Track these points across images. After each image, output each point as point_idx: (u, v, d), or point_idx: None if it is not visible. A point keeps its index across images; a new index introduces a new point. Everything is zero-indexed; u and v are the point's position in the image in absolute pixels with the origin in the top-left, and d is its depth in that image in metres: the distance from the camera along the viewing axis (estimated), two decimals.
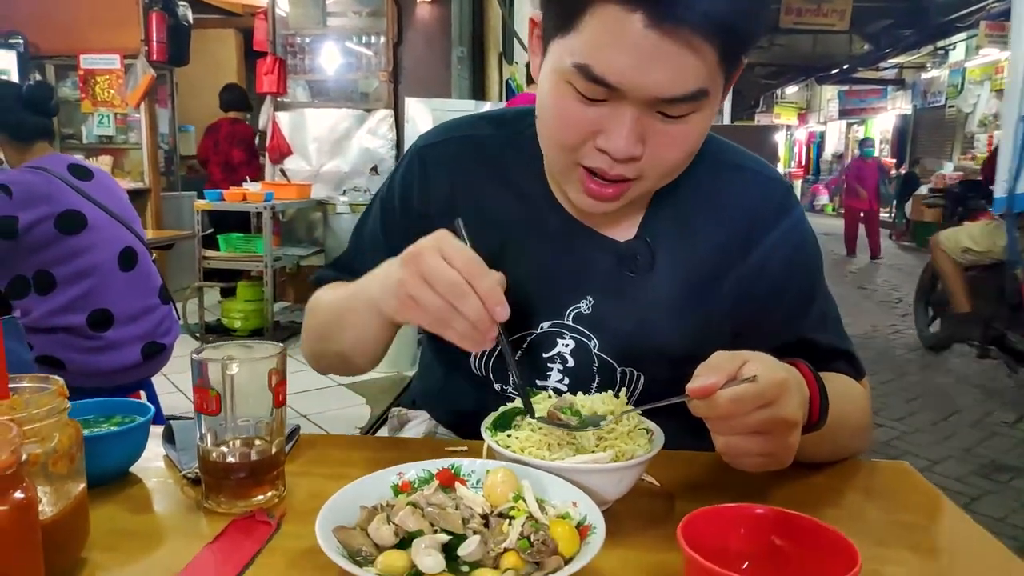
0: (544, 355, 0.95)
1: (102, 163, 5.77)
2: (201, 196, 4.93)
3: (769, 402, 0.65)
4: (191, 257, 4.86)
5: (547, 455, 0.71)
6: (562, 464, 0.68)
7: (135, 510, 0.76)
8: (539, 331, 0.95)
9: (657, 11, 0.68)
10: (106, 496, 0.78)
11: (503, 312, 0.71)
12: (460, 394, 1.07)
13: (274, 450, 0.76)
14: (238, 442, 0.75)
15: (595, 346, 0.93)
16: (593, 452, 0.71)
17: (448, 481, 0.66)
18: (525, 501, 0.60)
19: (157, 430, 0.92)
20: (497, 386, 0.99)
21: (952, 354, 5.24)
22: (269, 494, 0.76)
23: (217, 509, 0.74)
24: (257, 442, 0.75)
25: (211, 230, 4.81)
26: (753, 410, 0.65)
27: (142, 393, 2.44)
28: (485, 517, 0.59)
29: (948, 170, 11.75)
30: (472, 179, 0.98)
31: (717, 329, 0.93)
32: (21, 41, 5.63)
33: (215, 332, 4.94)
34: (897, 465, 0.91)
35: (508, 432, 0.76)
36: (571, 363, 0.94)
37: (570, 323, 0.94)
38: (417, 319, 0.74)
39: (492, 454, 0.74)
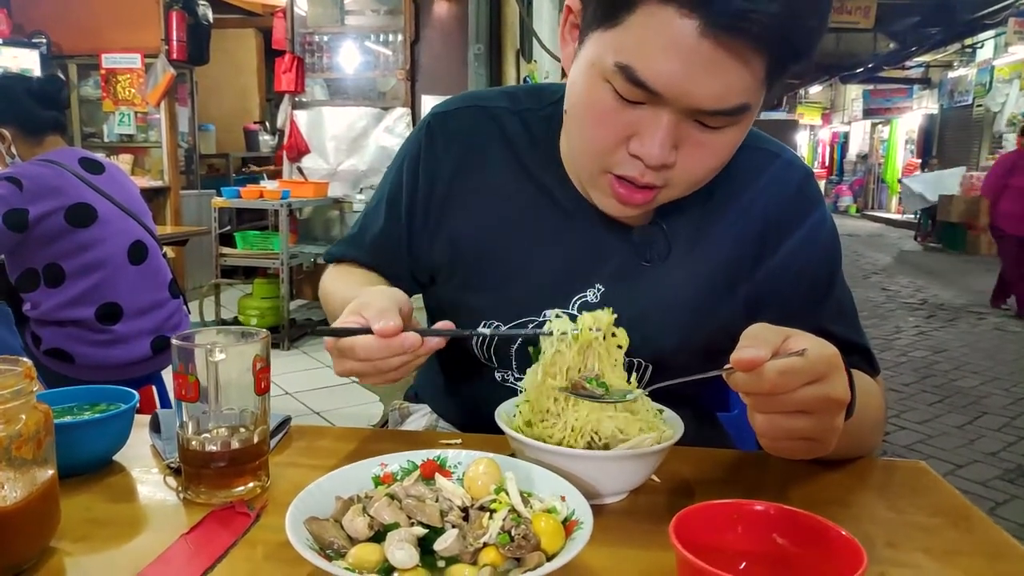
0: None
1: (122, 161, 5.82)
2: (219, 194, 4.95)
3: (819, 378, 0.61)
4: (209, 254, 4.89)
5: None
6: (602, 453, 0.67)
7: (114, 499, 0.74)
8: (543, 318, 0.91)
9: (717, 19, 0.64)
10: (86, 485, 0.76)
11: (435, 342, 0.74)
12: (461, 384, 1.05)
13: (256, 439, 0.73)
14: (219, 431, 0.72)
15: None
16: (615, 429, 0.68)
17: (432, 473, 0.63)
18: (507, 494, 0.57)
19: (145, 419, 0.90)
20: (499, 374, 0.97)
21: (980, 355, 5.12)
22: (251, 484, 0.73)
23: (197, 500, 0.72)
24: (239, 431, 0.73)
25: (227, 227, 4.83)
26: (801, 386, 0.60)
27: (153, 388, 2.44)
28: (465, 510, 0.56)
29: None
30: (482, 153, 0.95)
31: (731, 318, 0.90)
32: (44, 41, 5.70)
33: None
34: (914, 464, 0.86)
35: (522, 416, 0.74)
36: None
37: (575, 312, 0.90)
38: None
39: (517, 449, 0.71)
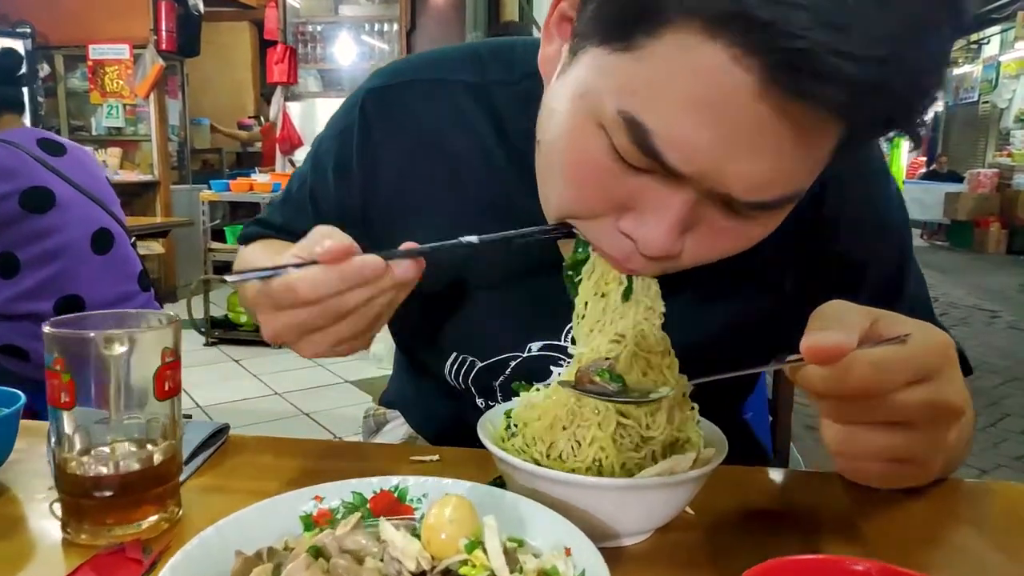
0: (536, 384, 0.73)
1: (111, 155, 5.66)
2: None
3: (926, 375, 0.43)
4: (199, 250, 4.71)
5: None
6: (620, 481, 0.48)
7: None
8: (527, 354, 0.73)
9: (793, 71, 0.40)
10: None
11: (375, 268, 0.50)
12: (436, 402, 0.87)
13: (159, 459, 0.55)
14: (108, 448, 0.54)
15: None
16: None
17: (386, 511, 0.45)
18: (485, 551, 0.38)
19: (44, 427, 0.72)
20: (480, 401, 0.78)
21: (996, 354, 4.94)
22: (153, 518, 0.55)
23: (77, 540, 0.54)
24: (136, 448, 0.55)
25: (217, 221, 4.66)
26: (902, 386, 0.42)
27: None
28: None
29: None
30: (438, 144, 0.71)
31: (772, 337, 0.72)
32: (29, 31, 5.52)
33: (221, 327, 4.78)
34: (1009, 488, 0.68)
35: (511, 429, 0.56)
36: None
37: (569, 344, 0.71)
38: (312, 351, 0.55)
39: (506, 474, 0.53)
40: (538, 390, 0.61)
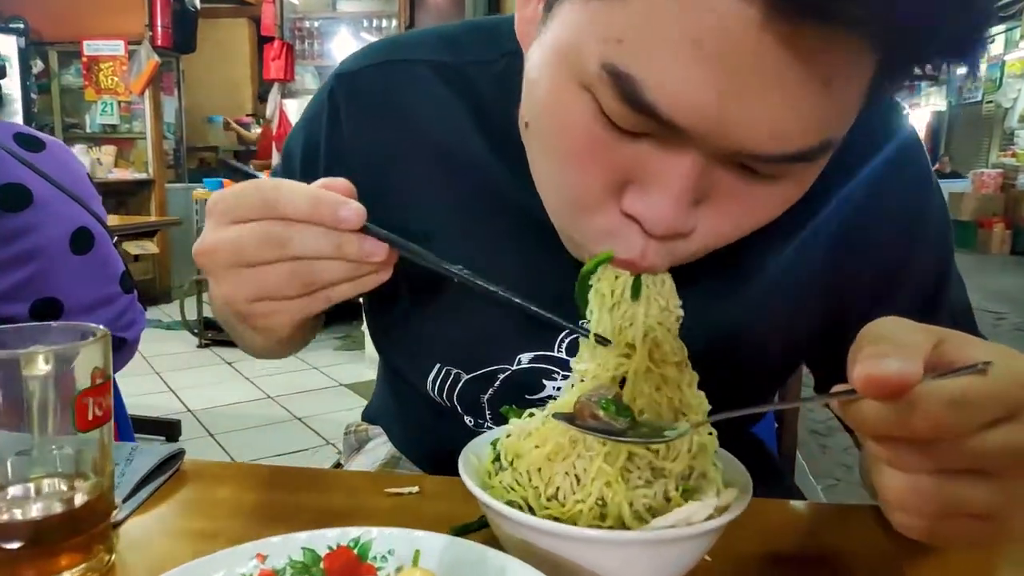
0: (527, 397, 0.65)
1: (105, 153, 5.57)
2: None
3: (1013, 413, 0.35)
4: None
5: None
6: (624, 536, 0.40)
7: None
8: (516, 367, 0.65)
9: None
10: None
11: (349, 214, 0.45)
12: (420, 420, 0.79)
13: (83, 499, 0.47)
14: (33, 484, 0.46)
15: None
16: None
17: (343, 572, 0.37)
18: None
19: None
20: (468, 419, 0.70)
21: None
22: (79, 568, 0.47)
23: None
24: (64, 484, 0.46)
25: None
26: (983, 427, 0.34)
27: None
28: None
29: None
30: (411, 131, 0.64)
31: (795, 348, 0.66)
32: (23, 26, 5.44)
33: (215, 328, 4.70)
34: None
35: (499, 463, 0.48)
36: None
37: (563, 355, 0.63)
38: (276, 318, 0.49)
39: (493, 523, 0.45)
40: (532, 415, 0.52)
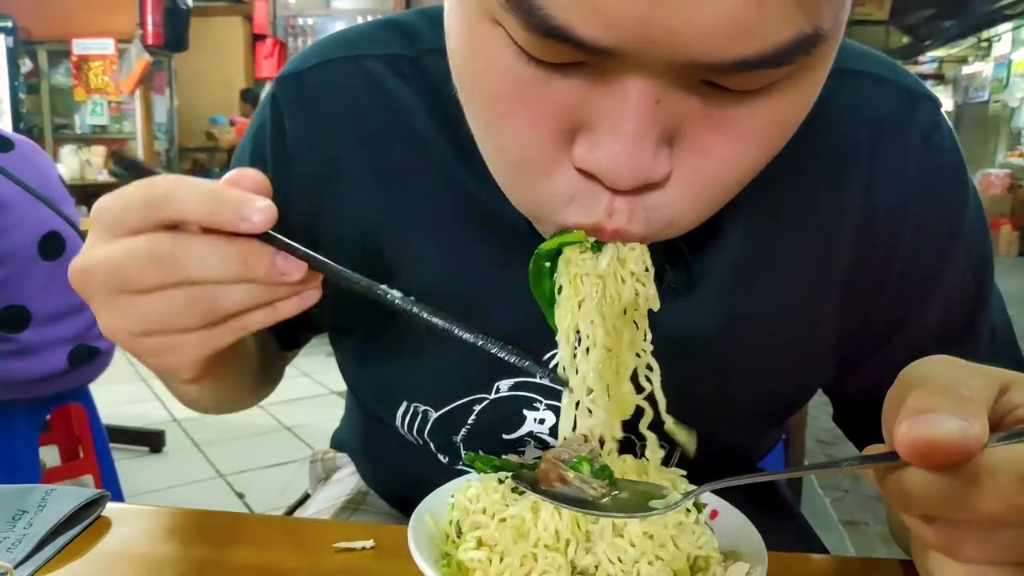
0: (504, 436, 0.57)
1: (95, 154, 5.50)
2: None
3: None
4: None
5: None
6: None
7: None
8: (494, 395, 0.57)
9: None
10: None
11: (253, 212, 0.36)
12: (389, 453, 0.70)
13: None
14: None
15: None
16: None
17: None
18: None
19: None
20: (443, 457, 0.62)
21: None
22: None
23: None
24: None
25: None
26: None
27: (82, 406, 2.10)
28: None
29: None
30: (355, 127, 0.56)
31: (809, 372, 0.57)
32: (11, 26, 5.37)
33: None
34: None
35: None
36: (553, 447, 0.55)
37: (547, 383, 0.54)
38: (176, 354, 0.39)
39: None
40: (496, 468, 0.42)
